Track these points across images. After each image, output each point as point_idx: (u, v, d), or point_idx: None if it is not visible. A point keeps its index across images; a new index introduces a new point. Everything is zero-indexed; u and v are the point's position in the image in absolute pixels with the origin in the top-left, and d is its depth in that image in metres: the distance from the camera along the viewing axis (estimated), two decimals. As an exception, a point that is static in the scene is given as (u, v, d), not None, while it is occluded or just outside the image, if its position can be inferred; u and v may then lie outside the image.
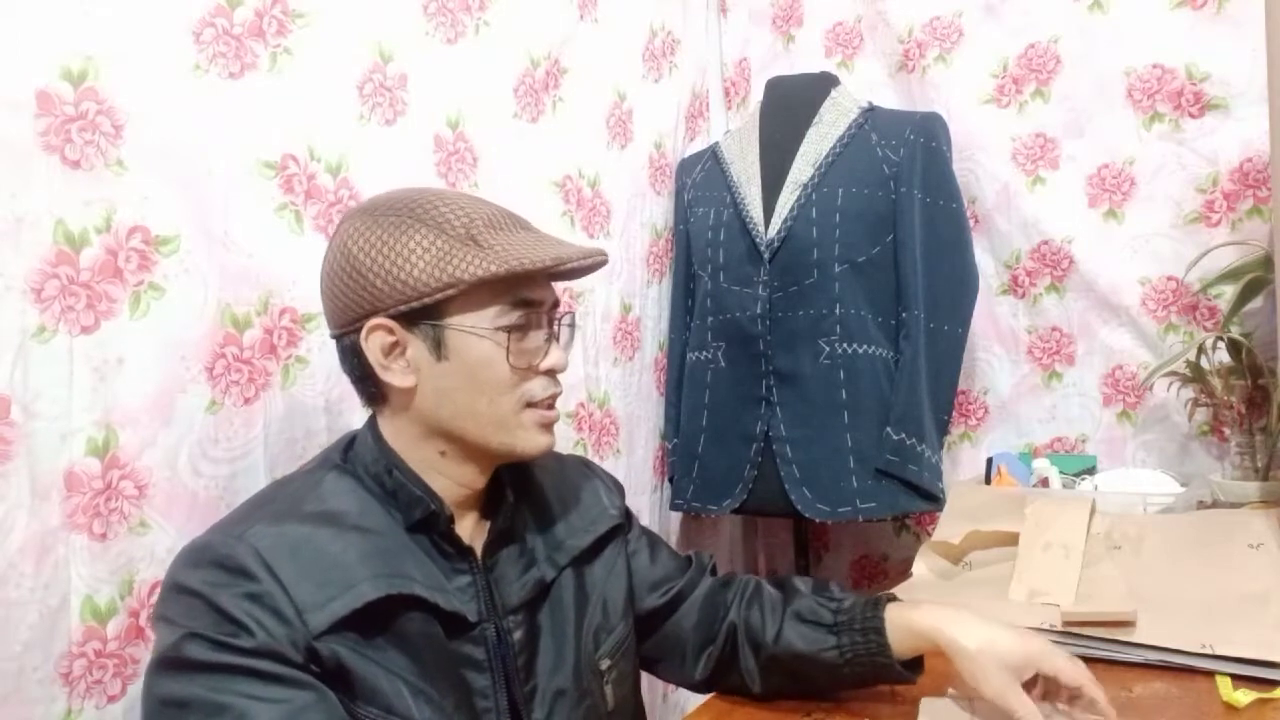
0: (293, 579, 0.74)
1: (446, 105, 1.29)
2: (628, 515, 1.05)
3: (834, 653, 0.94)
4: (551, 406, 0.88)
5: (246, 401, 1.01)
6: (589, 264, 0.88)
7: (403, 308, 0.81)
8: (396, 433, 0.86)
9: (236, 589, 0.73)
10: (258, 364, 1.02)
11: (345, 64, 1.15)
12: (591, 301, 1.55)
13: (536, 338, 0.85)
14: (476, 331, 0.82)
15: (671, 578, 1.03)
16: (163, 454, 0.92)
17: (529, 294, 0.84)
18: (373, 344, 0.82)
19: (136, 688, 0.89)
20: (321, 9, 1.10)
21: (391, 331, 0.82)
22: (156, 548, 0.91)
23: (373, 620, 0.77)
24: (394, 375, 0.83)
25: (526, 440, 0.86)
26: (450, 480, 0.86)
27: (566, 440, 1.48)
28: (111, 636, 0.87)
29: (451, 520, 0.85)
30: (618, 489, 1.06)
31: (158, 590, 0.90)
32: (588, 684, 0.90)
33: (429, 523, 0.84)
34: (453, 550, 0.85)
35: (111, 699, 0.87)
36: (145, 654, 0.89)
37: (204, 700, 0.70)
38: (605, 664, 0.92)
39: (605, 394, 1.58)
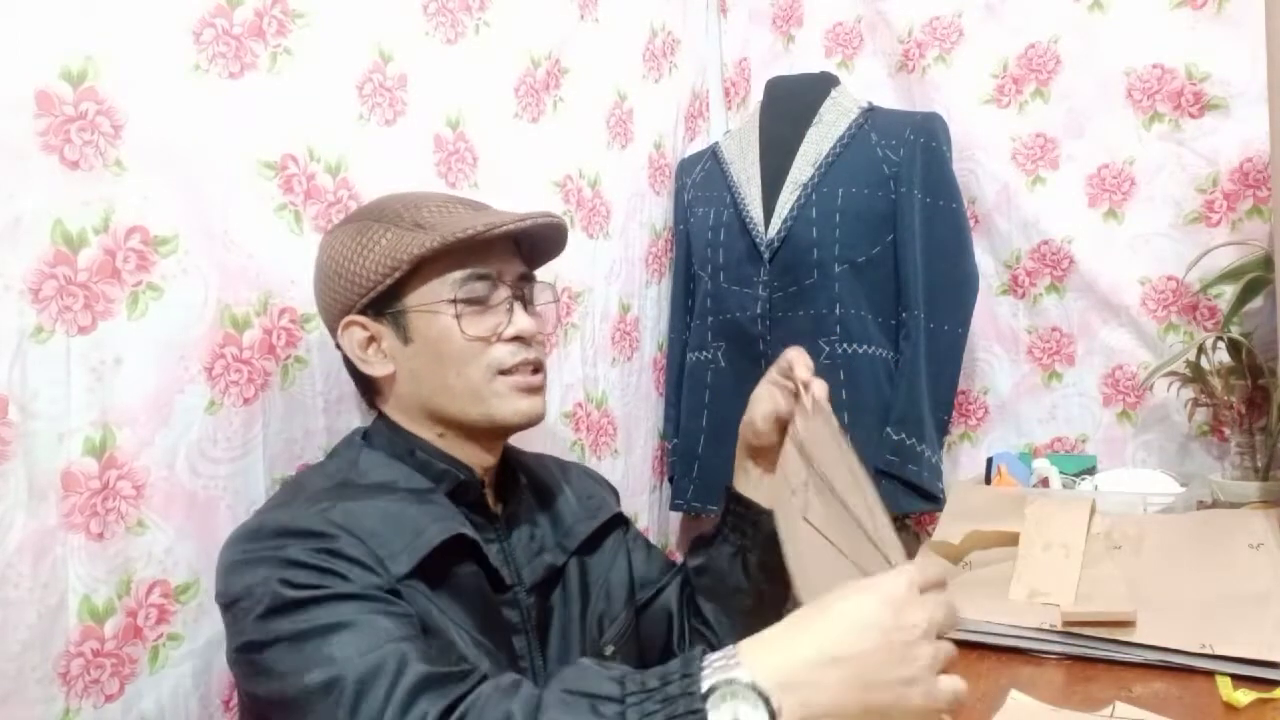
0: (366, 533, 0.75)
1: (446, 105, 1.28)
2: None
3: (728, 546, 0.98)
4: (536, 372, 0.89)
5: (245, 401, 1.00)
6: (540, 227, 0.89)
7: (363, 300, 0.86)
8: (399, 422, 0.90)
9: (313, 545, 0.73)
10: (257, 364, 1.02)
11: (345, 64, 1.14)
12: (590, 301, 1.55)
13: (497, 307, 0.87)
14: (432, 309, 0.85)
15: (659, 579, 1.05)
16: (161, 454, 0.92)
17: (480, 267, 0.87)
18: (348, 341, 0.88)
19: (134, 687, 0.89)
20: (321, 9, 1.10)
21: (365, 327, 0.87)
22: (154, 548, 0.91)
23: (438, 571, 0.79)
24: (373, 366, 0.88)
25: (503, 407, 0.87)
26: (459, 460, 0.89)
27: (565, 440, 1.48)
28: (109, 636, 0.87)
29: (483, 485, 0.89)
30: (615, 494, 1.10)
31: (156, 590, 0.90)
32: None
33: (458, 494, 0.86)
34: (482, 519, 0.88)
35: (109, 698, 0.87)
36: (143, 653, 0.90)
37: (317, 626, 0.69)
38: (610, 650, 0.94)
39: (603, 394, 1.58)
